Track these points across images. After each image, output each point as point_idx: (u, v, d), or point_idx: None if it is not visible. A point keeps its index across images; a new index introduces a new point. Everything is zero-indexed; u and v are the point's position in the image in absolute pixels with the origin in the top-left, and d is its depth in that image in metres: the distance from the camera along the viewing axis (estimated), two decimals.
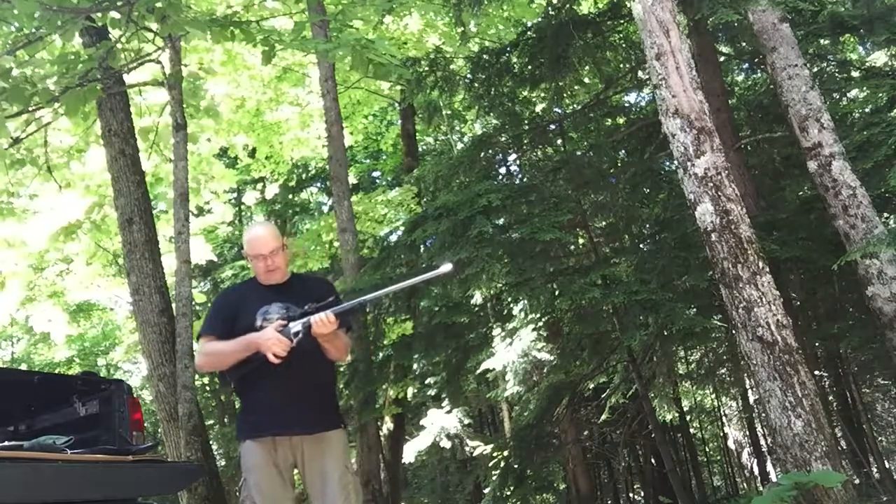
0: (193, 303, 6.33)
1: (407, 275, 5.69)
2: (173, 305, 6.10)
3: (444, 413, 11.06)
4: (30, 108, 5.75)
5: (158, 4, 4.80)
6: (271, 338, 2.72)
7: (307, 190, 16.46)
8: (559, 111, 7.63)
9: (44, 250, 9.40)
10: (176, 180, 5.97)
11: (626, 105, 8.27)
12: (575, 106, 7.79)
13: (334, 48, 5.16)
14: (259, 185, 14.64)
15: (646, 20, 4.23)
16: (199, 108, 7.09)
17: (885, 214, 5.96)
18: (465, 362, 7.48)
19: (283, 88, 11.05)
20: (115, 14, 5.33)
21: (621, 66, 7.37)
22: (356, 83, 10.50)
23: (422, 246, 6.69)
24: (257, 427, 2.85)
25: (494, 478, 8.35)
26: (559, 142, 7.68)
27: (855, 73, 7.50)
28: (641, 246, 7.24)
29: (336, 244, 10.24)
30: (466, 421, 11.52)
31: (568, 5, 6.77)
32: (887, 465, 9.60)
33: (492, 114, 7.61)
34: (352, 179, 12.62)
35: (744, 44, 7.07)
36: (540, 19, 7.36)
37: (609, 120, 7.82)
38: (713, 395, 13.88)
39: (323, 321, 2.72)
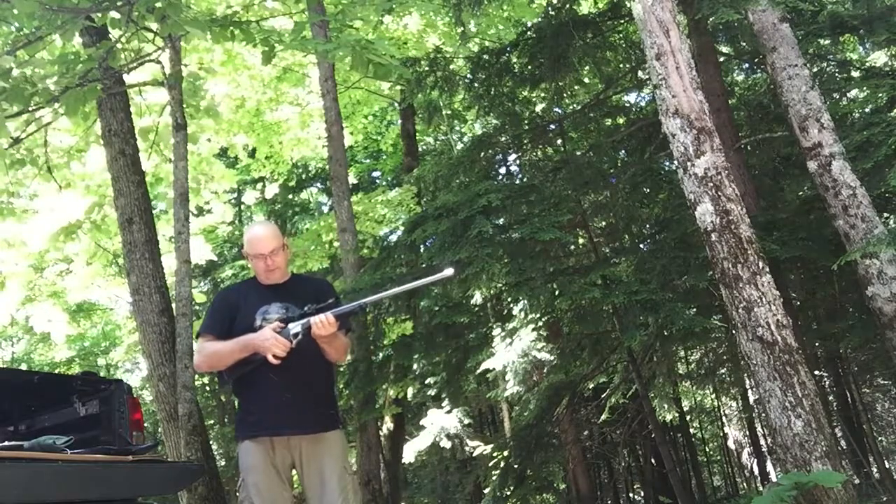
0: (193, 303, 6.33)
1: (408, 277, 5.68)
2: (173, 305, 6.10)
3: (444, 413, 11.06)
4: (30, 108, 5.75)
5: (158, 4, 4.80)
6: (269, 338, 2.72)
7: (307, 190, 16.47)
8: (559, 111, 7.64)
9: (44, 250, 9.40)
10: (176, 180, 5.97)
11: (626, 105, 8.27)
12: (575, 106, 7.79)
13: (334, 48, 5.16)
14: (259, 185, 14.65)
15: (646, 20, 4.23)
16: (199, 108, 7.09)
17: (885, 214, 5.96)
18: (465, 362, 7.47)
19: (283, 88, 11.06)
20: (115, 14, 5.33)
21: (621, 66, 7.37)
22: (356, 83, 10.50)
23: (422, 246, 6.69)
24: (256, 427, 2.85)
25: (494, 478, 8.35)
26: (559, 142, 7.69)
27: (855, 73, 7.50)
28: (641, 246, 7.24)
29: (336, 244, 10.24)
30: (466, 421, 11.51)
31: (568, 5, 6.77)
32: (887, 465, 9.60)
33: (492, 114, 7.61)
34: (352, 179, 12.64)
35: (744, 44, 7.07)
36: (540, 19, 7.36)
37: (609, 120, 7.82)
38: (713, 395, 13.88)
39: (323, 323, 2.71)
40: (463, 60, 7.27)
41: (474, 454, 11.49)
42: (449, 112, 11.11)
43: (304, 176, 15.33)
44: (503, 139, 7.20)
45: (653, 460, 11.77)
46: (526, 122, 7.31)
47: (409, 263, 6.78)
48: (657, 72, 4.16)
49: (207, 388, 15.45)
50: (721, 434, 15.54)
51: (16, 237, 9.17)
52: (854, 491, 3.84)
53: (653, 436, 8.20)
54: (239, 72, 10.11)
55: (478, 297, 8.77)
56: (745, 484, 14.32)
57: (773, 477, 10.83)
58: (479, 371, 9.89)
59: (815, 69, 6.95)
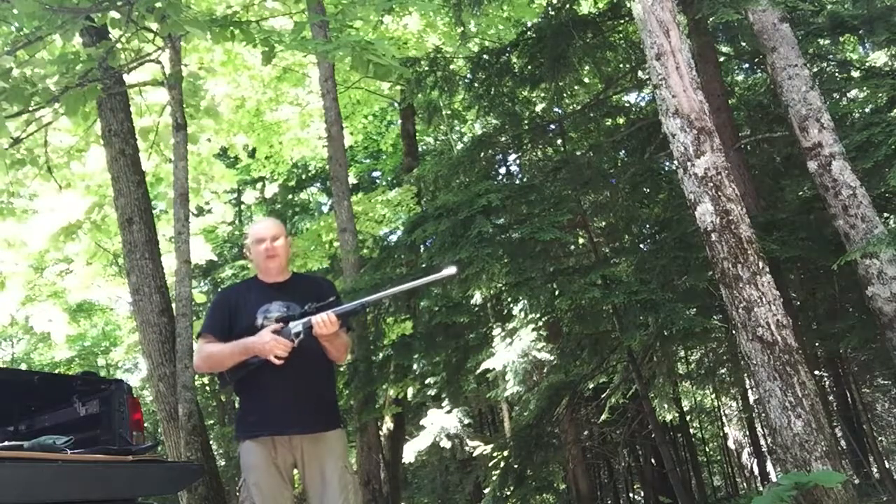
0: (193, 303, 6.32)
1: (409, 276, 5.69)
2: (173, 305, 6.10)
3: (444, 413, 11.06)
4: (30, 108, 5.74)
5: (158, 4, 4.80)
6: (269, 341, 2.72)
7: (307, 190, 16.47)
8: (559, 111, 7.63)
9: (44, 250, 9.40)
10: (176, 180, 5.97)
11: (626, 105, 8.27)
12: (575, 106, 7.79)
13: (334, 49, 5.16)
14: (259, 185, 14.65)
15: (646, 20, 4.23)
16: (199, 108, 7.09)
17: (885, 214, 5.96)
18: (465, 362, 7.47)
19: (283, 88, 11.06)
20: (115, 14, 5.33)
21: (621, 66, 7.37)
22: (356, 83, 10.50)
23: (422, 246, 6.69)
24: (257, 427, 2.85)
25: (494, 478, 8.34)
26: (559, 142, 7.68)
27: (855, 73, 7.50)
28: (641, 246, 7.24)
29: (336, 244, 10.24)
30: (466, 421, 11.50)
31: (568, 5, 6.77)
32: (887, 465, 9.60)
33: (492, 114, 7.61)
34: (352, 179, 12.64)
35: (744, 44, 7.08)
36: (540, 19, 7.36)
37: (609, 120, 7.81)
38: (713, 395, 13.88)
39: (324, 322, 2.71)
40: (463, 60, 7.27)
41: (474, 454, 11.48)
42: (449, 112, 11.10)
43: (304, 176, 15.33)
44: (503, 139, 7.20)
45: (653, 460, 11.77)
46: (526, 122, 7.31)
47: (409, 263, 6.78)
48: (657, 72, 4.16)
49: (207, 388, 15.45)
50: (721, 434, 15.54)
51: (16, 237, 9.17)
52: (854, 491, 3.84)
53: (653, 436, 8.19)
54: (239, 72, 10.11)
55: (478, 297, 8.77)
56: (745, 484, 14.32)
57: (773, 477, 10.83)
58: (479, 371, 9.89)
59: (815, 69, 6.95)
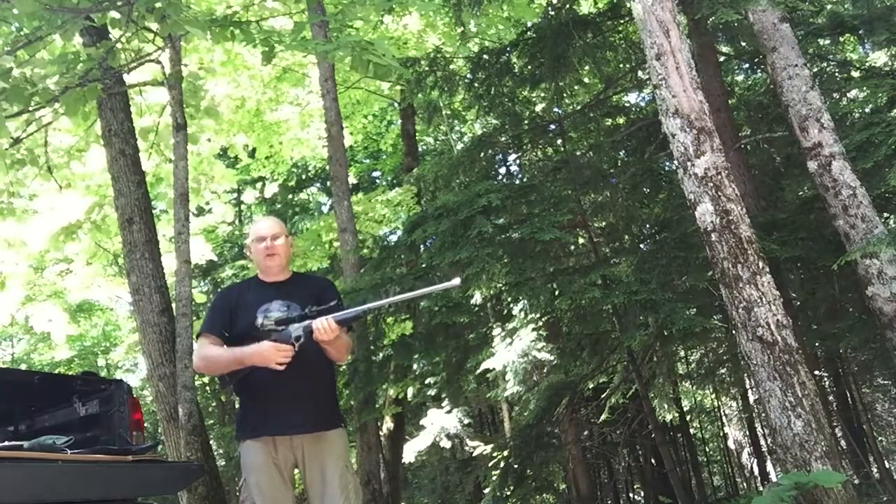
0: (193, 303, 6.33)
1: (409, 276, 5.69)
2: (173, 305, 6.10)
3: (444, 413, 11.05)
4: (30, 108, 5.75)
5: (158, 4, 4.80)
6: (269, 349, 2.72)
7: (307, 190, 16.46)
8: (559, 111, 7.63)
9: (44, 250, 9.40)
10: (176, 180, 5.97)
11: (626, 105, 8.27)
12: (575, 106, 7.79)
13: (334, 49, 5.16)
14: (259, 185, 14.65)
15: (646, 20, 4.23)
16: (199, 108, 7.08)
17: (885, 214, 5.96)
18: (465, 362, 7.47)
19: (283, 88, 11.05)
20: (115, 14, 5.33)
21: (621, 66, 7.37)
22: (356, 83, 10.50)
23: (422, 246, 6.69)
24: (257, 427, 2.85)
25: (494, 478, 8.33)
26: (559, 142, 7.68)
27: (855, 73, 7.50)
28: (641, 246, 7.24)
29: (336, 244, 10.24)
30: (466, 421, 11.49)
31: (568, 5, 6.77)
32: (887, 465, 9.60)
33: (492, 114, 7.60)
34: (352, 179, 12.62)
35: (744, 44, 7.07)
36: (540, 19, 7.36)
37: (609, 120, 7.81)
38: (713, 395, 13.88)
39: (325, 328, 2.71)
40: (463, 60, 7.27)
41: (474, 454, 11.48)
42: (449, 112, 11.11)
43: (304, 176, 15.33)
44: (503, 139, 7.20)
45: (653, 460, 11.77)
46: (526, 122, 7.31)
47: (409, 263, 6.77)
48: (657, 72, 4.16)
49: (207, 388, 15.44)
50: (721, 434, 15.54)
51: (16, 237, 9.17)
52: (854, 491, 3.84)
53: (653, 436, 8.19)
54: (239, 72, 10.11)
55: (478, 297, 8.77)
56: (745, 484, 14.32)
57: (773, 477, 10.83)
58: (479, 371, 9.88)
59: (815, 69, 6.94)
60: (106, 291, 11.21)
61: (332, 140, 7.30)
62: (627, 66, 7.35)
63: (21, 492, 2.79)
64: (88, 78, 5.52)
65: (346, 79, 10.12)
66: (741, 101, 7.73)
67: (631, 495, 14.78)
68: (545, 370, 9.61)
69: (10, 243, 9.24)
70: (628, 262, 6.76)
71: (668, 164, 6.89)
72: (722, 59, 7.23)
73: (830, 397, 9.56)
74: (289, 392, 2.82)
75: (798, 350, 3.70)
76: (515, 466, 7.34)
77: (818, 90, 5.00)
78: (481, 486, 11.78)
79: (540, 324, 9.11)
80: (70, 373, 13.01)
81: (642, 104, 8.41)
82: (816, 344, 7.58)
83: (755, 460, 13.53)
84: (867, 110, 6.85)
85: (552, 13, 6.82)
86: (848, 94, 7.89)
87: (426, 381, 9.28)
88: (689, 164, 4.00)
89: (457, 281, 2.90)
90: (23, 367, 14.60)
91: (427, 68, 6.89)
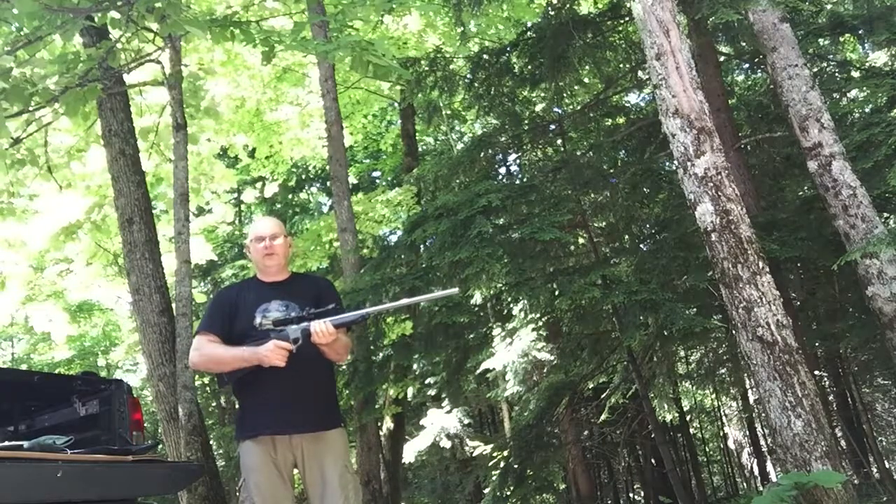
0: (193, 303, 6.32)
1: (409, 276, 5.68)
2: (173, 305, 6.10)
3: (444, 413, 11.06)
4: (30, 108, 5.74)
5: (158, 4, 4.80)
6: (275, 349, 2.72)
7: (307, 190, 16.46)
8: (559, 111, 7.63)
9: (44, 250, 9.40)
10: (176, 180, 5.97)
11: (626, 105, 8.27)
12: (575, 106, 7.78)
13: (334, 49, 5.15)
14: (259, 185, 14.65)
15: (646, 20, 4.23)
16: (199, 108, 7.09)
17: (885, 214, 5.96)
18: (465, 362, 7.47)
19: (283, 88, 11.06)
20: (115, 14, 5.33)
21: (621, 66, 7.36)
22: (356, 83, 10.50)
23: (422, 246, 6.69)
24: (257, 427, 2.85)
25: (494, 478, 8.34)
26: (559, 142, 7.68)
27: (855, 73, 7.50)
28: (641, 246, 7.25)
29: (336, 244, 10.24)
30: (466, 421, 11.51)
31: (568, 5, 6.76)
32: (887, 465, 9.60)
33: (492, 114, 7.60)
34: (352, 179, 12.64)
35: (744, 44, 7.07)
36: (540, 19, 7.36)
37: (609, 120, 7.81)
38: (713, 395, 13.88)
39: (322, 332, 2.71)
40: (463, 60, 7.27)
41: (474, 454, 11.49)
42: (449, 112, 11.11)
43: (304, 176, 15.33)
44: (503, 139, 7.20)
45: (653, 460, 11.77)
46: (526, 122, 7.31)
47: (409, 263, 6.77)
48: (657, 72, 4.16)
49: (207, 388, 15.43)
50: (721, 434, 15.54)
51: (16, 237, 9.17)
52: (854, 491, 3.84)
53: (653, 436, 8.19)
54: (239, 72, 10.11)
55: (478, 297, 8.77)
56: (745, 484, 14.33)
57: (773, 477, 10.83)
58: (479, 371, 9.89)
59: (815, 69, 6.94)
60: (106, 291, 11.20)
61: (332, 140, 7.30)
62: (627, 66, 7.35)
63: (21, 492, 2.79)
64: (88, 78, 5.52)
65: (346, 79, 10.12)
66: (741, 101, 7.73)
67: (631, 495, 14.78)
68: (545, 370, 9.62)
69: (10, 243, 9.24)
70: (628, 262, 6.77)
71: (668, 164, 6.88)
72: (722, 59, 7.23)
73: (830, 397, 9.55)
74: (288, 392, 2.82)
75: (798, 350, 3.70)
76: (515, 466, 7.34)
77: (818, 90, 5.00)
78: (481, 486, 11.79)
79: (540, 324, 9.11)
80: (70, 373, 13.01)
81: (642, 104, 8.42)
82: (816, 344, 7.59)
83: (755, 460, 13.54)
84: (867, 110, 6.85)
85: (552, 13, 6.81)
86: (848, 94, 7.89)
87: (426, 381, 9.29)
88: (689, 164, 4.00)
89: (455, 290, 3.03)
90: (23, 367, 14.59)
91: (427, 68, 6.89)
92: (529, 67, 6.84)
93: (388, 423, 10.18)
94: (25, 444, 3.22)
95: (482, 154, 7.09)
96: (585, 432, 11.13)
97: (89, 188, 8.79)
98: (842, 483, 3.31)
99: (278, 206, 15.67)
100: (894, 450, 12.00)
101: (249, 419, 2.89)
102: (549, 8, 6.99)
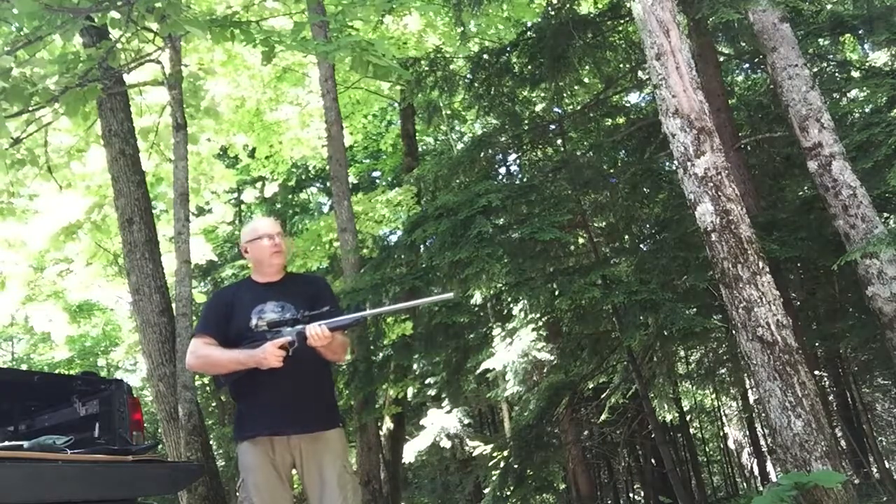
0: (193, 303, 6.32)
1: (409, 276, 5.69)
2: (173, 305, 6.10)
3: (444, 413, 11.06)
4: (30, 108, 5.74)
5: (158, 4, 4.79)
6: (272, 351, 2.72)
7: (307, 190, 16.46)
8: (559, 111, 7.63)
9: (44, 250, 9.40)
10: (176, 180, 5.97)
11: (626, 105, 8.27)
12: (575, 106, 7.79)
13: (334, 49, 5.15)
14: (259, 185, 14.65)
15: (646, 20, 4.23)
16: (199, 108, 7.08)
17: (885, 214, 5.96)
18: (465, 362, 7.47)
19: (283, 88, 11.06)
20: (115, 14, 5.32)
21: (621, 66, 7.36)
22: (356, 83, 10.50)
23: (422, 246, 6.69)
24: (255, 427, 2.85)
25: (494, 478, 8.34)
26: (559, 142, 7.68)
27: (855, 73, 7.49)
28: (641, 246, 7.25)
29: (336, 244, 10.24)
30: (466, 421, 11.50)
31: (568, 5, 6.76)
32: (887, 465, 9.60)
33: (492, 114, 7.60)
34: (352, 179, 12.64)
35: (744, 44, 7.07)
36: (540, 19, 7.36)
37: (609, 120, 7.81)
38: (713, 395, 13.88)
39: (318, 336, 2.71)
40: (463, 60, 7.27)
41: (474, 454, 11.49)
42: (449, 112, 11.11)
43: (304, 176, 15.33)
44: (503, 139, 7.20)
45: (653, 460, 11.77)
46: (526, 122, 7.31)
47: (408, 263, 6.77)
48: (657, 72, 4.16)
49: (207, 388, 15.43)
50: (721, 434, 15.54)
51: (16, 237, 9.17)
52: (854, 491, 3.84)
53: (653, 436, 8.19)
54: (239, 72, 10.11)
55: (478, 297, 8.77)
56: (745, 484, 14.33)
57: (773, 477, 10.83)
58: (479, 371, 9.89)
59: (815, 69, 6.94)
60: (106, 291, 11.20)
61: (332, 140, 7.30)
62: (627, 66, 7.35)
63: (21, 492, 2.79)
64: (88, 78, 5.51)
65: (346, 79, 10.12)
66: (741, 101, 7.73)
67: (631, 495, 14.78)
68: (545, 370, 9.62)
69: (10, 243, 9.24)
70: (628, 262, 6.77)
71: (668, 164, 6.88)
72: (722, 59, 7.23)
73: (830, 397, 9.55)
74: (286, 392, 2.82)
75: (798, 350, 3.70)
76: (515, 466, 7.34)
77: (818, 90, 5.00)
78: (481, 486, 11.79)
79: (540, 324, 9.11)
80: (70, 373, 13.01)
81: (642, 104, 8.41)
82: (816, 344, 7.59)
83: (755, 460, 13.53)
84: (867, 110, 6.84)
85: (552, 13, 6.82)
86: (848, 94, 7.89)
87: (426, 381, 9.28)
88: (689, 164, 4.00)
89: (450, 295, 3.16)
90: (23, 367, 14.60)
91: (427, 68, 6.90)
92: (529, 67, 6.84)
93: (388, 423, 10.18)
94: (25, 444, 3.23)
95: (482, 154, 7.09)
96: (585, 432, 11.13)
97: (89, 188, 8.78)
98: (842, 483, 3.31)
99: (278, 206, 15.67)
100: (894, 450, 12.00)
101: (247, 420, 2.89)
102: (549, 8, 6.99)
